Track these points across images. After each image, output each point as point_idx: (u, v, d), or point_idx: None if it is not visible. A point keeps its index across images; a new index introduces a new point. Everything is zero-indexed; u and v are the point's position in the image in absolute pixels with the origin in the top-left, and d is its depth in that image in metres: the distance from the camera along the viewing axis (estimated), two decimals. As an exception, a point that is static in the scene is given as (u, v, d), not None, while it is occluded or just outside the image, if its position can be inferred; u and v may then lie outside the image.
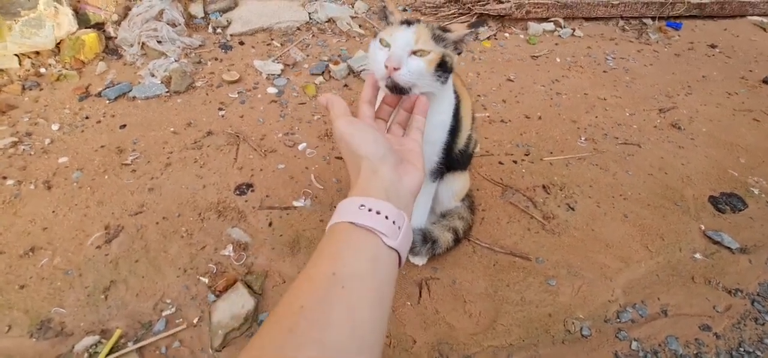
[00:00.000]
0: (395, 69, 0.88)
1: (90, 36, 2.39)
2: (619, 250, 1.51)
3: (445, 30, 1.00)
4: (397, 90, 0.89)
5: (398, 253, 0.58)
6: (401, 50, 0.92)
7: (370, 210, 0.57)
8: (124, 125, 1.94)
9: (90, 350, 1.16)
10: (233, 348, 1.19)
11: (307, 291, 0.52)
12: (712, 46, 2.91)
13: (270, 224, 1.52)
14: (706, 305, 1.37)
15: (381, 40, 0.94)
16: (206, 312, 1.26)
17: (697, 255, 1.51)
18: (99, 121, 1.96)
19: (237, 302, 1.26)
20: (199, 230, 1.49)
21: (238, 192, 1.64)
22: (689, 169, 1.86)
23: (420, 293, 1.33)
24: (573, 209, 1.63)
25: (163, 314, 1.25)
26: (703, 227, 1.61)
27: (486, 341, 1.23)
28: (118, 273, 1.34)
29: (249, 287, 1.32)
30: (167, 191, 1.62)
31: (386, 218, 0.57)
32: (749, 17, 3.28)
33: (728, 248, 1.54)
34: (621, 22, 3.06)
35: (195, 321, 1.24)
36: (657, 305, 1.36)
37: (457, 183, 1.37)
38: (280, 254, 1.43)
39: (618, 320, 1.32)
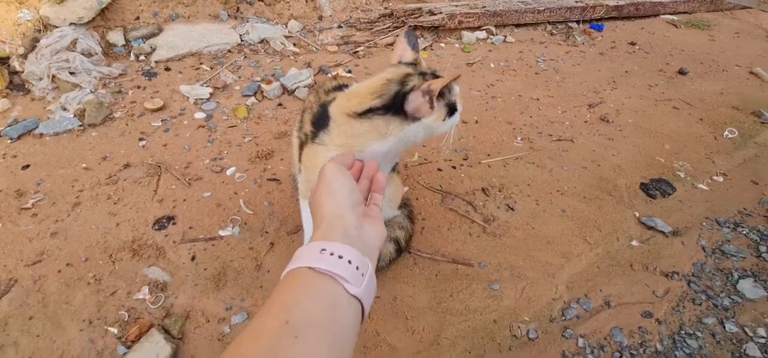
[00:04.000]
0: None
1: (-11, 72, 2.16)
2: (559, 245, 1.49)
3: (413, 63, 1.08)
4: None
5: (361, 304, 0.53)
6: None
7: (331, 254, 0.54)
8: (27, 166, 1.73)
9: None
10: (145, 406, 1.04)
11: (255, 343, 0.46)
12: (632, 44, 3.09)
13: (193, 258, 1.38)
14: (646, 291, 1.38)
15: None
16: (114, 368, 1.10)
17: (634, 242, 1.53)
18: (-3, 164, 1.74)
19: (150, 351, 1.11)
20: (110, 273, 1.32)
21: (157, 227, 1.48)
22: (620, 160, 1.91)
23: (359, 314, 1.24)
24: (513, 209, 1.61)
25: (61, 377, 1.08)
26: (637, 214, 1.64)
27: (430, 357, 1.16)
28: (7, 335, 1.15)
29: (166, 331, 1.18)
30: (74, 234, 1.44)
31: (349, 262, 0.54)
32: (662, 16, 3.55)
33: (662, 232, 1.57)
34: (549, 27, 3.19)
35: (100, 380, 1.08)
36: (600, 296, 1.35)
37: (389, 187, 1.30)
38: (203, 290, 1.29)
39: (563, 317, 1.29)
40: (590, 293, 1.36)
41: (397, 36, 2.87)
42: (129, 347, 1.14)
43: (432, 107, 1.00)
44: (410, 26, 2.92)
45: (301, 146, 1.19)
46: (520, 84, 2.48)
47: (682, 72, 2.71)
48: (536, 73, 2.61)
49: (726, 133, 2.16)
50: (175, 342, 1.15)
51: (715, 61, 2.94)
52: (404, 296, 1.30)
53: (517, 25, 3.14)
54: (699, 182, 1.83)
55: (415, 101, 1.00)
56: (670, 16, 3.57)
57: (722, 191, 1.80)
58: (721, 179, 1.86)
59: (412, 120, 1.02)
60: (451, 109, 1.05)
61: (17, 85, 2.26)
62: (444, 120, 1.04)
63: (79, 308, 1.23)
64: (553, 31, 3.19)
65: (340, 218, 0.61)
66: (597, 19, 3.32)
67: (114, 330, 1.18)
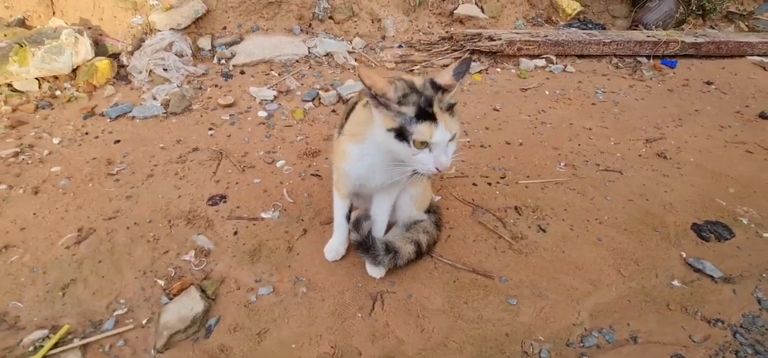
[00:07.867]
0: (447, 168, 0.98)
1: (103, 63, 2.58)
2: (589, 273, 1.44)
3: (438, 86, 1.03)
4: None
5: None
6: (445, 150, 0.98)
7: None
8: (119, 141, 2.05)
9: (36, 344, 1.17)
10: (176, 351, 1.18)
11: None
12: (708, 83, 2.87)
13: (235, 233, 1.54)
14: (681, 333, 1.28)
15: (415, 143, 0.96)
16: (156, 313, 1.26)
17: (675, 282, 1.43)
18: (97, 137, 2.08)
19: (187, 305, 1.26)
20: (166, 235, 1.52)
21: (210, 202, 1.67)
22: (672, 197, 1.79)
23: (373, 305, 1.30)
24: (544, 231, 1.58)
25: (115, 313, 1.26)
26: (683, 255, 1.53)
27: (435, 357, 1.18)
28: (80, 272, 1.37)
29: (202, 291, 1.32)
30: (143, 199, 1.67)
31: None
32: (749, 57, 3.24)
33: (710, 276, 1.45)
34: (614, 60, 3.07)
35: (144, 322, 1.24)
36: (626, 331, 1.28)
37: (414, 187, 1.36)
38: (239, 261, 1.43)
39: (581, 344, 1.24)
40: (616, 325, 1.29)
41: (454, 58, 2.95)
42: (171, 299, 1.30)
43: (376, 106, 1.01)
44: (469, 51, 2.98)
45: None
46: (574, 113, 2.42)
47: (763, 116, 2.46)
48: (593, 104, 2.53)
49: (810, 185, 1.93)
50: (208, 301, 1.30)
51: (809, 108, 2.62)
52: (419, 296, 1.34)
53: (580, 56, 3.07)
54: (765, 231, 1.65)
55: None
56: (760, 58, 3.25)
57: (793, 244, 1.61)
58: (794, 231, 1.67)
59: None
60: (400, 134, 0.98)
61: (122, 77, 2.68)
62: (389, 133, 0.98)
63: (137, 260, 1.43)
64: (619, 64, 3.06)
65: None
66: (670, 56, 3.13)
67: (161, 283, 1.35)
